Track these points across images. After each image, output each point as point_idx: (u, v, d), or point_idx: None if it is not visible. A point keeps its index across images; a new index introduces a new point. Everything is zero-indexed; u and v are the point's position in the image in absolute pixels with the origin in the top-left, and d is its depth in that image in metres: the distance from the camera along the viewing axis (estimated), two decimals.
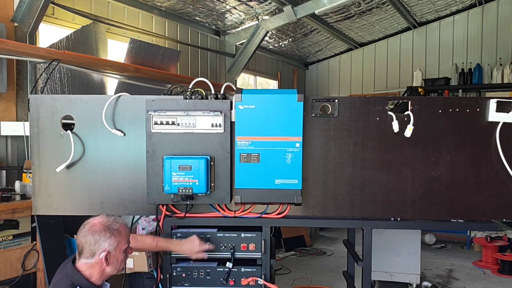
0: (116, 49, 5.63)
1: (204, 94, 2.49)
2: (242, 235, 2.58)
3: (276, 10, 6.92)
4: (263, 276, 2.56)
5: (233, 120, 2.45)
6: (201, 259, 2.54)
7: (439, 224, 2.69)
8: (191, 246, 2.48)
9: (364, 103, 2.56)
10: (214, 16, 6.90)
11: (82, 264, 2.00)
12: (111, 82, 5.23)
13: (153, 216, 2.89)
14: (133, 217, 2.78)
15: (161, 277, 2.61)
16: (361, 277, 2.67)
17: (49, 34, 4.84)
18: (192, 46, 6.90)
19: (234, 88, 2.88)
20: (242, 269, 2.57)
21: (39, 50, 4.11)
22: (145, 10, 5.94)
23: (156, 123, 2.45)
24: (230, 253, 2.57)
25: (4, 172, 4.15)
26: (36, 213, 2.70)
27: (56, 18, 4.85)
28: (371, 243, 2.62)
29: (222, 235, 2.59)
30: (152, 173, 2.49)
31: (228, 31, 7.57)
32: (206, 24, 7.16)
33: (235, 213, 2.59)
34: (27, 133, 3.85)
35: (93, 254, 1.98)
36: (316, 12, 6.65)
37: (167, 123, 2.45)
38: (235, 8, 6.77)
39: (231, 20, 7.19)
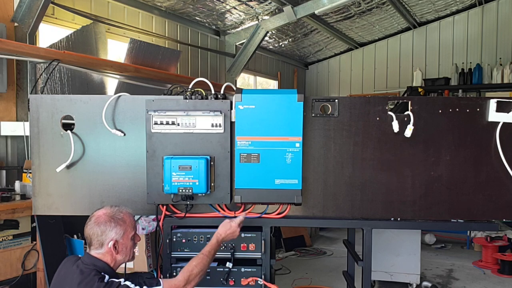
0: (116, 49, 5.63)
1: (204, 94, 2.49)
2: (242, 235, 2.58)
3: (276, 10, 6.92)
4: (263, 276, 2.56)
5: (233, 120, 2.45)
6: None
7: (439, 224, 2.69)
8: (227, 228, 2.38)
9: (364, 103, 2.56)
10: (214, 16, 6.90)
11: (95, 254, 2.08)
12: (111, 82, 5.23)
13: (153, 216, 2.89)
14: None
15: (161, 277, 2.61)
16: (361, 277, 2.67)
17: (49, 34, 4.83)
18: (192, 46, 6.90)
19: (234, 88, 2.88)
20: (242, 269, 2.58)
21: (39, 50, 4.11)
22: (145, 10, 5.94)
23: (156, 123, 2.45)
24: (230, 253, 2.58)
25: (4, 172, 4.15)
26: (36, 213, 2.70)
27: (56, 18, 4.85)
28: (371, 243, 2.63)
29: None
30: (152, 173, 2.49)
31: (228, 31, 7.57)
32: (206, 24, 7.16)
33: (235, 213, 2.59)
34: (27, 133, 3.85)
35: (101, 244, 2.06)
36: (316, 12, 6.65)
37: (167, 123, 2.45)
38: (235, 8, 6.77)
39: (231, 20, 7.19)
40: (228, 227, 2.37)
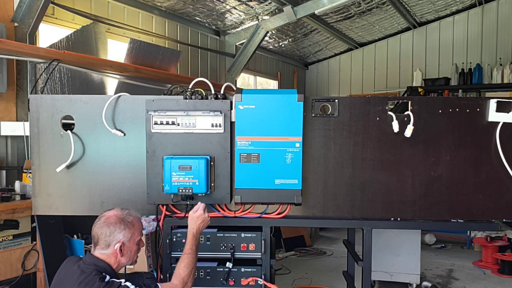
0: (116, 49, 5.63)
1: (204, 94, 2.50)
2: (242, 235, 2.59)
3: (276, 10, 6.92)
4: (263, 276, 2.56)
5: (233, 120, 2.45)
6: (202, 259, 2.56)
7: (439, 224, 2.69)
8: (194, 220, 2.34)
9: (364, 103, 2.56)
10: (214, 16, 6.90)
11: (99, 254, 2.08)
12: (111, 82, 5.23)
13: (153, 216, 2.89)
14: None
15: (161, 277, 2.61)
16: (361, 277, 2.67)
17: (49, 34, 4.83)
18: (192, 46, 6.90)
19: (234, 88, 2.89)
20: (242, 269, 2.58)
21: (39, 50, 4.11)
22: (145, 10, 5.94)
23: (156, 123, 2.46)
24: (230, 253, 2.58)
25: (4, 172, 4.15)
26: (36, 213, 2.70)
27: (56, 18, 4.85)
28: (371, 243, 2.63)
29: (222, 235, 2.59)
30: (152, 173, 2.49)
31: (228, 31, 7.57)
32: (206, 24, 7.16)
33: (235, 213, 2.59)
34: (27, 133, 3.85)
35: (108, 245, 2.07)
36: (316, 12, 6.65)
37: (167, 123, 2.45)
38: (235, 8, 6.77)
39: (231, 20, 7.19)
40: (195, 219, 2.31)
